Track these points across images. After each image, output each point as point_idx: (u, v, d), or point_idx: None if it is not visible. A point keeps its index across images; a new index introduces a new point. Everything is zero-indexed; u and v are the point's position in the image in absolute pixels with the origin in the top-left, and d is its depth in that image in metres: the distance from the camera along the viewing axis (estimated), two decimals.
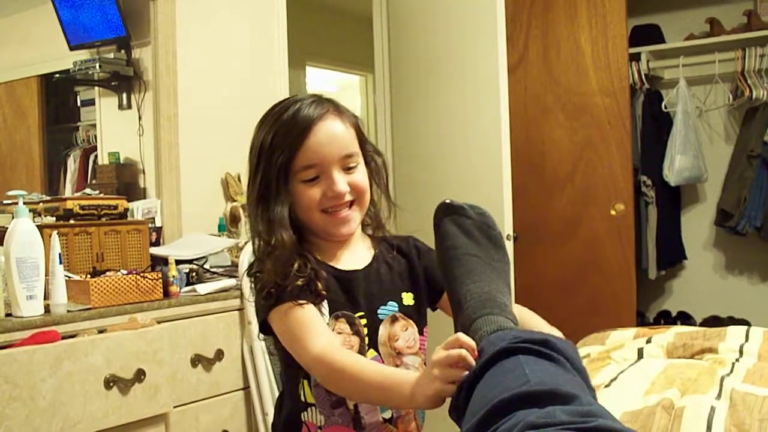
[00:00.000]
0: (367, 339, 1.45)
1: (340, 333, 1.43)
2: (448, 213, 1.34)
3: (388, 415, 1.46)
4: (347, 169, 1.46)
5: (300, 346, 1.35)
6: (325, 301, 1.43)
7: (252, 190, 1.47)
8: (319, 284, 1.41)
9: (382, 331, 1.47)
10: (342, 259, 1.51)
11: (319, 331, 1.35)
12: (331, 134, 1.44)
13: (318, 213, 1.45)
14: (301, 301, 1.37)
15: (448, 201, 1.35)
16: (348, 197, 1.46)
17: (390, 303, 1.50)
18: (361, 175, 1.48)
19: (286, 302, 1.37)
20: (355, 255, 1.54)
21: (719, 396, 1.60)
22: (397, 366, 1.47)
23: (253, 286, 1.46)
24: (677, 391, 1.63)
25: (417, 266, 1.57)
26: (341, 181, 1.43)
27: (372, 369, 1.29)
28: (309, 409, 1.45)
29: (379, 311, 1.49)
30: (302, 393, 1.45)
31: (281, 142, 1.43)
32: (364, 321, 1.46)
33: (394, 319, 1.49)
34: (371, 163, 1.54)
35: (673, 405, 1.53)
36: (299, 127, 1.42)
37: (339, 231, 1.48)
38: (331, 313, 1.44)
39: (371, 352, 1.45)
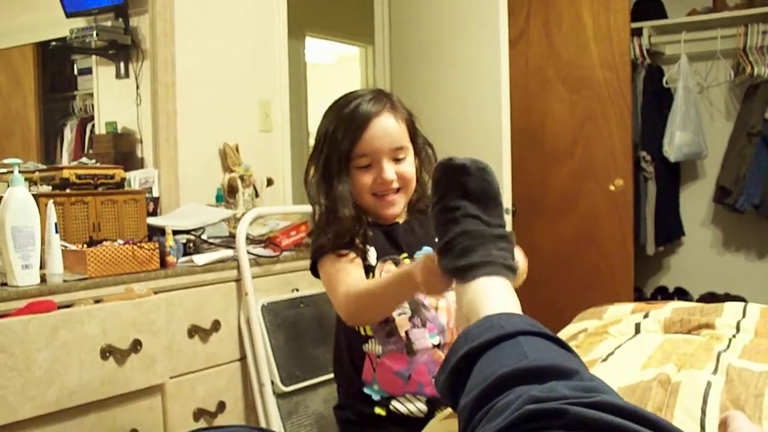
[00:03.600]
0: None
1: (387, 272, 1.70)
2: (449, 172, 1.33)
3: (436, 341, 1.73)
4: (396, 160, 1.71)
5: (332, 288, 1.67)
6: (373, 248, 1.72)
7: (315, 169, 1.75)
8: (357, 239, 1.69)
9: None
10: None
11: (348, 276, 1.65)
12: (384, 129, 1.70)
13: (369, 195, 1.72)
14: (342, 252, 1.67)
15: (449, 159, 1.35)
16: (395, 184, 1.71)
17: (424, 248, 1.77)
18: (408, 166, 1.74)
19: (330, 253, 1.68)
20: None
21: (715, 371, 1.60)
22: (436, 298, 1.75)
23: (311, 242, 1.78)
24: (674, 366, 1.63)
25: None
26: (390, 170, 1.69)
27: (383, 279, 1.62)
28: (369, 341, 1.73)
29: (415, 254, 1.76)
30: (362, 328, 1.74)
31: (343, 134, 1.68)
32: (407, 261, 1.73)
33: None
34: (422, 152, 1.81)
35: (669, 380, 1.53)
36: (358, 122, 1.68)
37: (385, 212, 1.74)
38: (378, 258, 1.72)
39: None
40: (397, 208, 1.76)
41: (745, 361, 1.68)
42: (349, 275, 1.66)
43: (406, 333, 1.71)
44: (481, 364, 0.95)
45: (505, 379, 0.88)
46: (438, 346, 1.73)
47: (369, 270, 1.72)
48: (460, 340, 1.02)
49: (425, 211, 1.79)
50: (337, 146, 1.69)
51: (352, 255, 1.68)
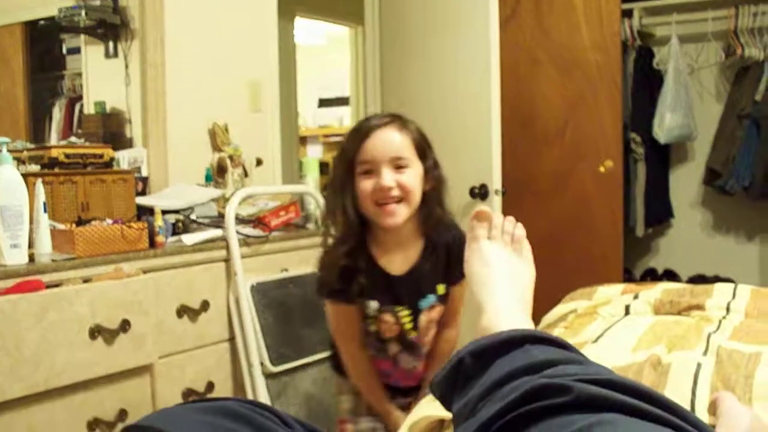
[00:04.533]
0: (411, 324, 1.92)
1: (385, 322, 1.91)
2: None
3: (420, 365, 2.00)
4: (397, 168, 1.81)
5: (329, 320, 1.99)
6: (374, 302, 1.89)
7: (331, 183, 1.93)
8: (354, 288, 1.88)
9: (423, 318, 1.93)
10: (393, 257, 1.92)
11: (338, 325, 1.97)
12: (386, 139, 1.82)
13: (371, 203, 1.82)
14: (336, 302, 1.92)
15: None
16: (395, 192, 1.80)
17: (428, 296, 1.93)
18: (409, 177, 1.83)
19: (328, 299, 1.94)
20: (406, 254, 1.93)
21: (706, 352, 1.61)
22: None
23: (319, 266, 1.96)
24: (664, 348, 1.65)
25: (453, 260, 1.90)
26: (387, 176, 1.79)
27: (367, 384, 1.99)
28: (367, 336, 1.96)
29: (419, 303, 1.92)
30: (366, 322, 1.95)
31: (350, 144, 1.85)
32: (408, 311, 1.91)
33: (431, 308, 1.94)
34: (430, 173, 1.90)
35: (660, 361, 1.54)
36: (362, 132, 1.84)
37: (386, 221, 1.82)
38: (381, 306, 1.90)
39: (413, 333, 1.93)
40: (398, 218, 1.83)
41: (735, 342, 1.69)
42: (339, 324, 1.97)
43: (395, 355, 1.97)
44: (492, 370, 0.95)
45: (513, 373, 0.88)
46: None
47: (368, 317, 1.92)
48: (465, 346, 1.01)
49: (441, 243, 1.93)
50: (344, 155, 1.86)
51: (344, 306, 1.92)
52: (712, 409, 1.31)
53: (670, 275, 4.44)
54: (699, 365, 1.50)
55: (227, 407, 0.92)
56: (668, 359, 1.55)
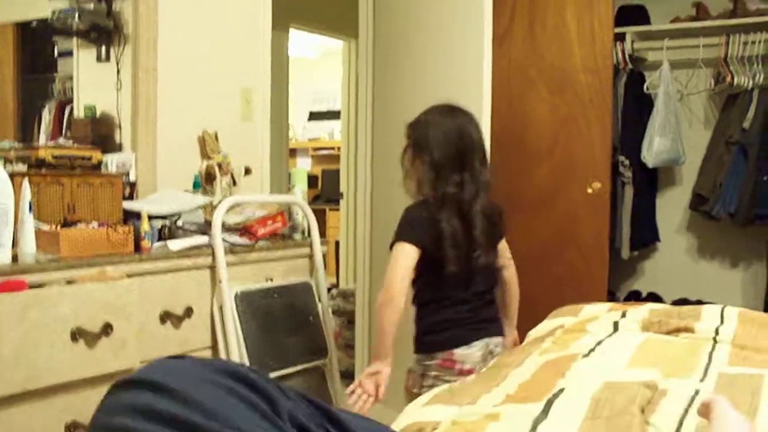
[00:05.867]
0: None
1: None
2: None
3: None
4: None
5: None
6: None
7: None
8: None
9: None
10: None
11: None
12: None
13: None
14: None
15: None
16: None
17: None
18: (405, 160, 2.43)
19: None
20: None
21: (704, 379, 1.61)
22: None
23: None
24: (659, 373, 1.64)
25: None
26: None
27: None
28: None
29: None
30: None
31: None
32: None
33: None
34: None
35: (656, 386, 1.54)
36: None
37: None
38: None
39: None
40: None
41: (736, 367, 1.69)
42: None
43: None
44: None
45: None
46: None
47: None
48: None
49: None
50: None
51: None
52: (704, 409, 1.28)
53: (654, 298, 4.45)
54: (696, 392, 1.49)
55: (230, 367, 0.88)
56: (665, 385, 1.54)
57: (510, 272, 2.55)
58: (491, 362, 2.02)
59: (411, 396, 2.23)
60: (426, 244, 2.24)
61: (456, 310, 2.31)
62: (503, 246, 2.50)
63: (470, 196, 2.26)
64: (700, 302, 4.13)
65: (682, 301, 4.28)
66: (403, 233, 2.26)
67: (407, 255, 2.22)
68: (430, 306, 2.36)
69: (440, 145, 2.29)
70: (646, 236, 4.51)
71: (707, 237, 4.55)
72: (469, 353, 2.27)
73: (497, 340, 2.37)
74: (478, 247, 2.26)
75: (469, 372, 2.18)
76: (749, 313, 2.19)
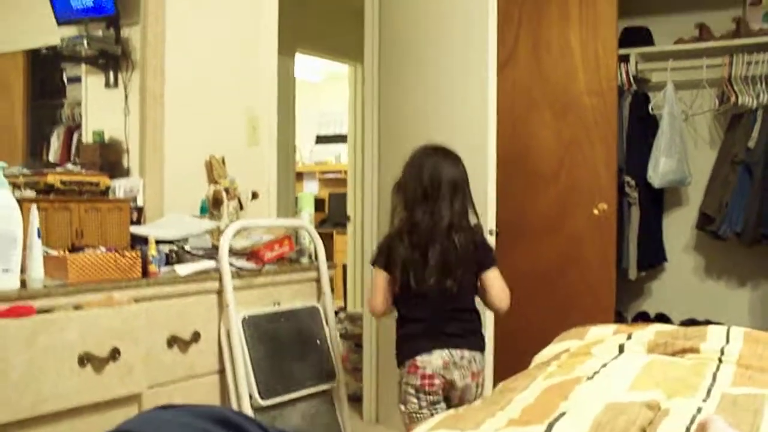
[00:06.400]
0: None
1: None
2: None
3: None
4: None
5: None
6: None
7: None
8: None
9: None
10: None
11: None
12: None
13: None
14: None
15: None
16: None
17: None
18: None
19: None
20: None
21: (706, 399, 1.61)
22: None
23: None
24: (662, 393, 1.64)
25: None
26: None
27: None
28: None
29: None
30: None
31: None
32: None
33: None
34: None
35: (659, 406, 1.54)
36: None
37: None
38: None
39: None
40: None
41: (740, 387, 1.69)
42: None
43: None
44: None
45: None
46: None
47: None
48: None
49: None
50: None
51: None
52: (700, 431, 1.29)
53: (662, 319, 4.43)
54: (699, 410, 1.49)
55: (216, 412, 0.89)
56: (667, 405, 1.54)
57: (487, 301, 2.65)
58: (498, 387, 2.02)
59: (400, 414, 2.54)
60: (389, 268, 2.55)
61: (415, 326, 2.53)
62: (490, 275, 2.60)
63: (435, 225, 2.48)
64: (708, 322, 4.12)
65: (690, 322, 4.27)
66: (373, 258, 2.64)
67: (377, 276, 2.59)
68: (398, 321, 2.62)
69: (411, 181, 2.55)
70: (653, 256, 4.51)
71: (714, 257, 4.54)
72: (430, 359, 2.45)
73: (464, 352, 2.49)
74: (431, 271, 2.46)
75: (431, 377, 2.44)
76: (755, 333, 2.19)
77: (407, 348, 2.52)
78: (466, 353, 2.49)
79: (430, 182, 2.51)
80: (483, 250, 2.61)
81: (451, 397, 2.49)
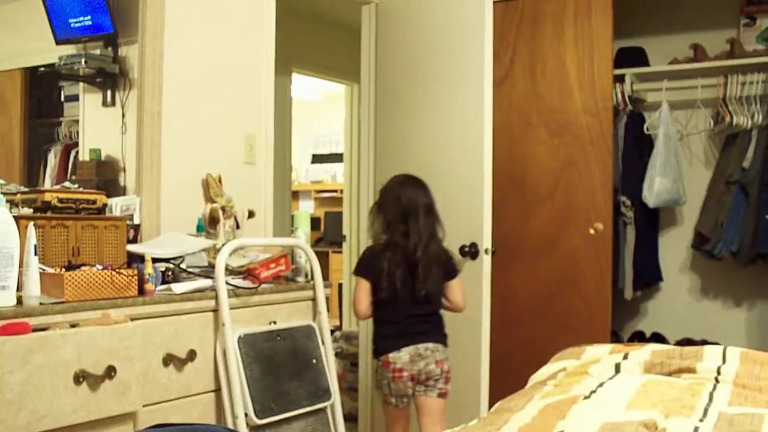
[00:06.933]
0: None
1: None
2: None
3: None
4: None
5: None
6: None
7: None
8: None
9: None
10: None
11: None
12: None
13: None
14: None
15: None
16: None
17: None
18: None
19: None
20: None
21: (703, 419, 1.60)
22: None
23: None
24: (660, 414, 1.64)
25: None
26: None
27: None
28: None
29: None
30: None
31: None
32: None
33: None
34: None
35: (656, 426, 1.54)
36: None
37: None
38: None
39: None
40: None
41: (736, 407, 1.69)
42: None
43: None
44: None
45: None
46: None
47: None
48: None
49: None
50: None
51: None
52: None
53: (658, 338, 4.43)
54: (696, 429, 1.49)
55: (211, 430, 0.89)
56: (664, 424, 1.54)
57: (452, 302, 3.15)
58: (494, 407, 2.02)
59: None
60: (371, 277, 3.04)
61: (389, 327, 3.04)
62: (455, 283, 3.12)
63: (414, 243, 2.99)
64: (704, 342, 4.12)
65: (686, 341, 4.27)
66: (357, 268, 3.14)
67: (360, 284, 3.07)
68: (375, 323, 3.13)
69: (392, 206, 3.06)
70: (648, 276, 4.51)
71: (710, 276, 4.55)
72: (399, 356, 2.95)
73: (428, 345, 2.98)
74: (407, 281, 2.98)
75: (400, 370, 2.95)
76: (752, 353, 2.19)
77: (382, 346, 3.03)
78: (430, 345, 2.99)
79: (407, 206, 3.02)
80: (450, 262, 3.12)
81: (420, 379, 2.98)
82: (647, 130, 4.42)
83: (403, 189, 3.08)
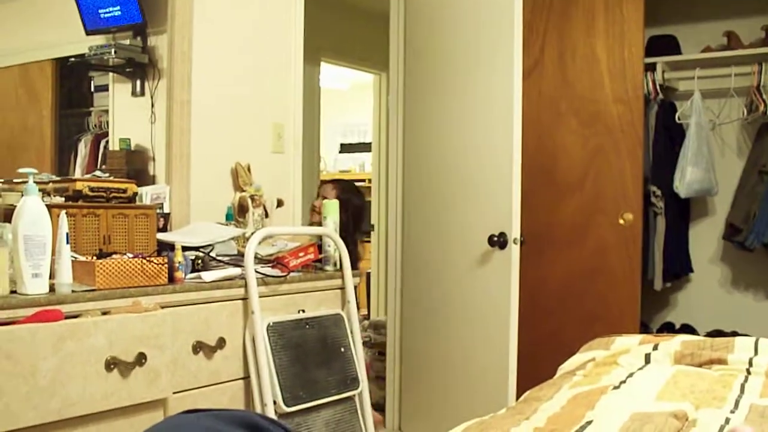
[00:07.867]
0: None
1: None
2: None
3: None
4: None
5: None
6: None
7: None
8: None
9: None
10: None
11: None
12: None
13: None
14: None
15: None
16: None
17: None
18: None
19: None
20: None
21: (734, 410, 1.59)
22: None
23: None
24: (691, 405, 1.62)
25: None
26: None
27: None
28: None
29: None
30: None
31: None
32: None
33: None
34: None
35: (686, 416, 1.52)
36: None
37: None
38: None
39: None
40: None
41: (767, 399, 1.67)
42: None
43: None
44: None
45: None
46: None
47: None
48: None
49: None
50: None
51: None
52: None
53: (688, 330, 4.39)
54: (727, 420, 1.48)
55: (246, 417, 0.89)
56: (694, 416, 1.53)
57: None
58: (523, 396, 2.01)
59: None
60: None
61: None
62: None
63: None
64: (735, 333, 4.08)
65: (717, 333, 4.23)
66: None
67: None
68: None
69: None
70: (679, 267, 4.47)
71: (741, 268, 4.50)
72: None
73: None
74: None
75: None
76: None
77: None
78: None
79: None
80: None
81: None
82: (679, 119, 4.37)
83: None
